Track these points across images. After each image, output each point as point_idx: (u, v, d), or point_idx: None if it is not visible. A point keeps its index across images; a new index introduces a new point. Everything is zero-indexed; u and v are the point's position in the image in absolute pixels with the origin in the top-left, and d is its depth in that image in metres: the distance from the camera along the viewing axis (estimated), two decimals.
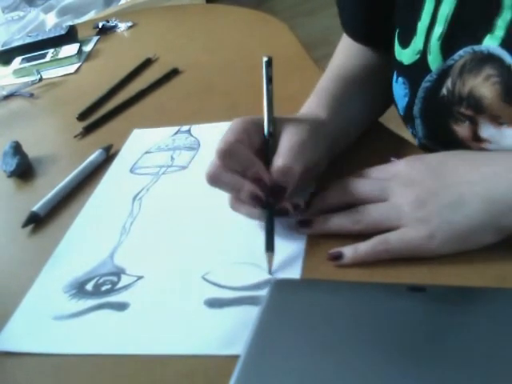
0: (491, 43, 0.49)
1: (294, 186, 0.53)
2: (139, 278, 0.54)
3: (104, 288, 0.54)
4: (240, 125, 0.55)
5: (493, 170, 0.48)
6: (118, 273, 0.55)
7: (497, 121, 0.50)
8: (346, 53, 0.71)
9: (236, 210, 0.55)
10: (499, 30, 0.49)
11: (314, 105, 0.62)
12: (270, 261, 0.51)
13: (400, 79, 0.59)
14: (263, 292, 0.48)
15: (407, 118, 0.60)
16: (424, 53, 0.55)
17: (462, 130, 0.53)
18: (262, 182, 0.52)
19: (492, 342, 0.38)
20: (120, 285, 0.54)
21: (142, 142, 0.76)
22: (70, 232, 0.63)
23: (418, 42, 0.56)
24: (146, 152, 0.73)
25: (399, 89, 0.60)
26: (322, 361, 0.39)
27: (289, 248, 0.53)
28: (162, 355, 0.46)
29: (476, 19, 0.50)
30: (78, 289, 0.55)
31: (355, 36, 0.70)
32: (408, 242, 0.48)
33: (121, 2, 2.03)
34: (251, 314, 0.46)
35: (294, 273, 0.50)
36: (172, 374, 0.45)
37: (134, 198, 0.65)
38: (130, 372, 0.46)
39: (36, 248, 0.62)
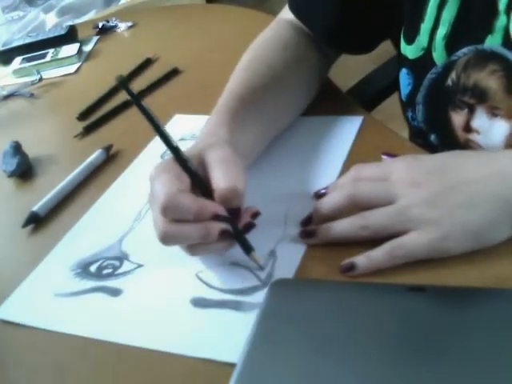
0: (492, 43, 0.54)
1: (243, 199, 0.50)
2: (139, 266, 0.55)
3: (105, 271, 0.55)
4: (167, 171, 0.50)
5: (498, 169, 0.47)
6: (122, 258, 0.56)
7: (492, 112, 0.57)
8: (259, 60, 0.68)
9: (203, 252, 0.52)
10: (498, 32, 0.54)
11: (214, 124, 0.59)
12: (255, 260, 0.51)
13: (404, 70, 0.64)
14: (249, 298, 0.48)
15: (409, 103, 0.65)
16: (428, 50, 0.59)
17: (458, 117, 0.59)
18: (220, 217, 0.49)
19: (492, 342, 0.38)
20: (120, 270, 0.55)
21: (179, 129, 0.74)
22: (90, 212, 0.64)
23: (421, 41, 0.60)
24: (181, 139, 0.72)
25: (403, 78, 0.64)
26: (322, 360, 0.39)
27: (288, 249, 0.52)
28: (162, 355, 0.46)
29: (477, 21, 0.55)
30: (83, 269, 0.56)
31: (325, 38, 0.70)
32: (422, 246, 0.46)
33: (121, 2, 2.02)
34: (230, 318, 0.47)
35: (289, 272, 0.50)
36: (172, 373, 0.45)
37: None
38: (129, 371, 0.46)
39: (36, 248, 0.62)
